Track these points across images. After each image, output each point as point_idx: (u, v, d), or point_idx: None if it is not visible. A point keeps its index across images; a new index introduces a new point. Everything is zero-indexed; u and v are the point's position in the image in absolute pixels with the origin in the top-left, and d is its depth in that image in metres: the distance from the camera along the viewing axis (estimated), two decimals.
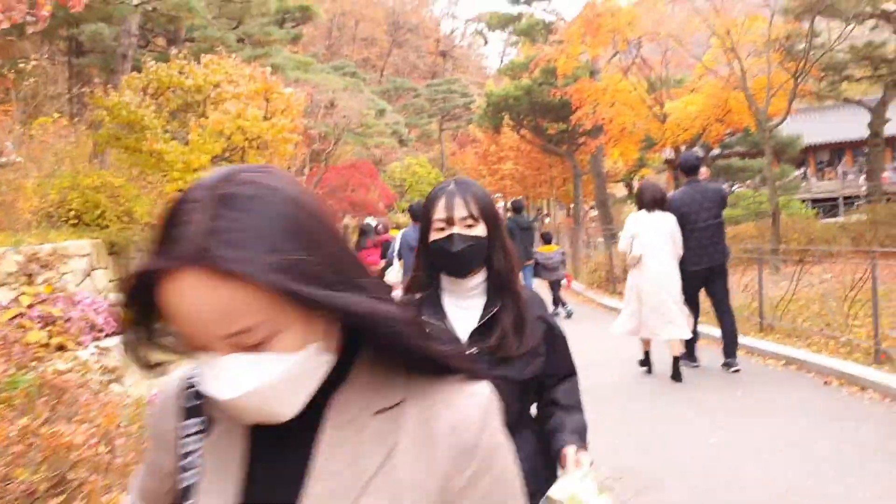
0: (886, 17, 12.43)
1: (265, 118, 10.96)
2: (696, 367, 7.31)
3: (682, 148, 14.88)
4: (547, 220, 44.38)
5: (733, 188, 19.60)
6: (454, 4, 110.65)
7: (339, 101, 20.81)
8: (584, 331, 9.63)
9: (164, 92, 11.39)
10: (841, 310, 8.40)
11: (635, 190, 13.06)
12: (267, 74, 11.11)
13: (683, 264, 6.77)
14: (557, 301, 12.02)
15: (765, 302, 9.20)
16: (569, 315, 11.75)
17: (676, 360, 6.79)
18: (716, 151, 17.77)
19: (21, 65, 11.87)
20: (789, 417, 5.81)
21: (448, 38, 76.07)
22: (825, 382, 6.76)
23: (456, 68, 73.35)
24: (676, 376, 6.80)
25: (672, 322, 6.64)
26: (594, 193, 19.20)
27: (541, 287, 11.83)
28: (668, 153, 47.67)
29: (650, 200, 6.74)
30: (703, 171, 7.73)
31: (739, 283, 9.87)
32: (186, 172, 10.52)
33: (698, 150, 14.34)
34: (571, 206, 27.20)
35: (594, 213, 24.97)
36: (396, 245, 8.76)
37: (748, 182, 19.92)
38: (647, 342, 7.16)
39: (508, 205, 47.74)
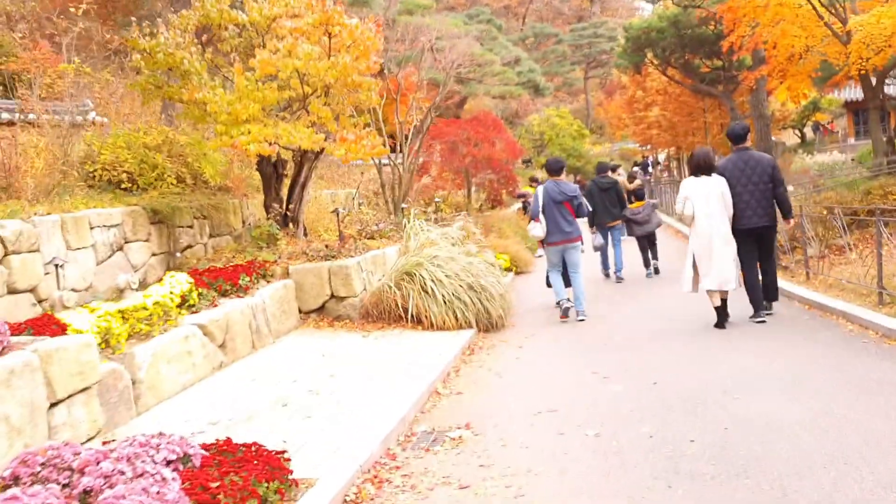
0: None
1: (327, 56, 8.94)
2: (770, 313, 7.84)
3: (873, 80, 11.50)
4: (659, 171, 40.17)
5: None
6: None
7: (450, 45, 18.44)
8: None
9: (218, 31, 9.66)
10: None
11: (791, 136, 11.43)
12: (328, 3, 9.02)
13: (732, 223, 7.56)
14: (648, 261, 11.97)
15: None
16: (656, 271, 11.84)
17: (722, 305, 7.59)
18: None
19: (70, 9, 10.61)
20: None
21: None
22: None
23: (604, 10, 68.67)
24: (722, 322, 7.58)
25: (723, 273, 7.44)
26: (755, 140, 15.84)
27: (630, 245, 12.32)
28: (849, 93, 41.62)
29: (702, 166, 7.63)
30: (750, 140, 8.33)
31: None
32: (233, 125, 8.73)
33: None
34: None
35: None
36: (540, 201, 8.78)
37: None
38: (711, 294, 7.66)
39: (655, 158, 44.06)
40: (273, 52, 8.65)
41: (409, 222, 9.64)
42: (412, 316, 8.66)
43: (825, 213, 9.83)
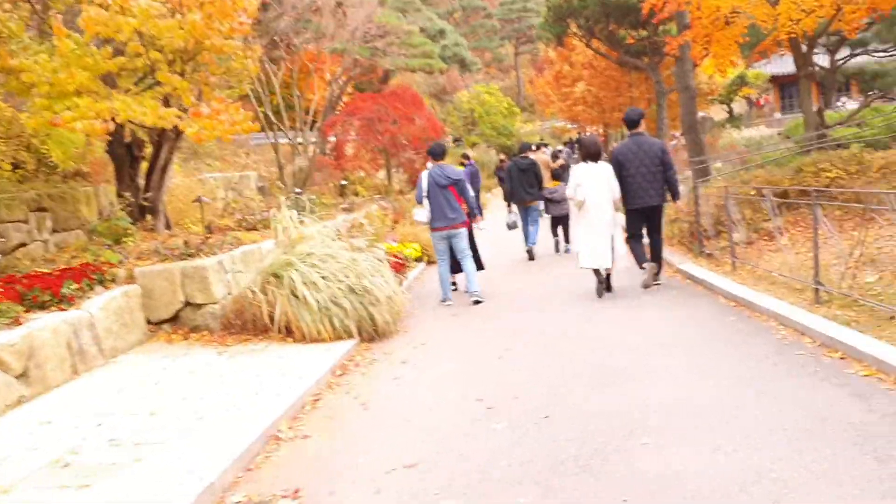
0: None
1: (172, 14, 7.45)
2: (658, 284, 8.31)
3: (803, 47, 10.56)
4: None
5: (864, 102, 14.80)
6: None
7: (353, 12, 16.94)
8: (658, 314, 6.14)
9: None
10: None
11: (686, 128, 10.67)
12: None
13: (626, 204, 8.16)
14: (557, 243, 12.54)
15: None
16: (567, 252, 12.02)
17: (608, 276, 8.19)
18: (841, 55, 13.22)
19: None
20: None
21: None
22: None
23: None
24: (608, 289, 8.25)
25: (603, 254, 8.02)
26: (681, 114, 14.88)
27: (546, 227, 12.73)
28: (775, 66, 41.42)
29: (591, 153, 8.24)
30: (644, 125, 8.58)
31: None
32: (58, 99, 7.19)
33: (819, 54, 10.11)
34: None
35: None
36: (424, 185, 8.58)
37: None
38: (596, 270, 8.21)
39: (582, 136, 43.28)
40: (103, 7, 7.12)
41: (278, 212, 8.23)
42: (281, 326, 7.34)
43: (753, 193, 8.83)
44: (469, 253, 8.92)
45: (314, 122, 24.35)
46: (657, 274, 8.26)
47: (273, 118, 16.11)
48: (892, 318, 5.33)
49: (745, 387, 4.68)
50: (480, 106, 42.37)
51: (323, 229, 8.39)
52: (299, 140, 14.80)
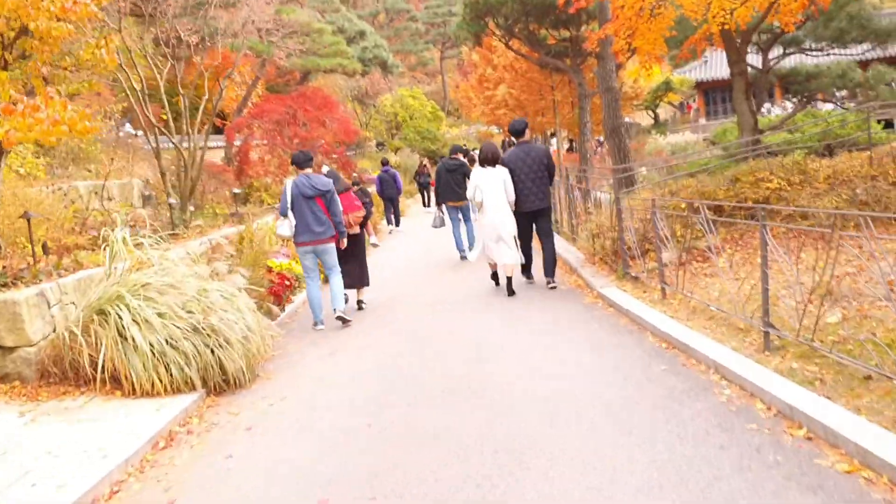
0: None
1: None
2: (532, 282, 9.03)
3: (738, 40, 9.48)
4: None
5: (804, 105, 13.85)
6: None
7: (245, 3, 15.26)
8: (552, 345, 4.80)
9: None
10: None
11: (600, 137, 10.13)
12: None
13: (516, 207, 8.63)
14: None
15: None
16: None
17: (509, 279, 8.60)
18: (774, 54, 12.28)
19: None
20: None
21: None
22: None
23: None
24: (511, 292, 8.55)
25: (507, 251, 8.55)
26: (603, 117, 13.76)
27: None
28: (700, 72, 41.28)
29: (488, 159, 8.65)
30: (529, 134, 9.88)
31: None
32: None
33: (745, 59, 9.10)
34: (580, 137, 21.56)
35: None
36: (288, 196, 8.00)
37: (820, 97, 14.00)
38: (493, 264, 9.00)
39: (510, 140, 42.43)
40: None
41: (112, 232, 6.60)
42: (108, 375, 5.78)
43: (684, 209, 7.65)
44: (338, 268, 8.27)
45: (225, 125, 22.56)
46: (551, 273, 8.68)
47: (171, 121, 14.37)
48: (868, 377, 4.12)
49: (683, 488, 3.37)
50: (404, 110, 40.96)
51: (174, 251, 6.81)
52: (185, 144, 13.03)
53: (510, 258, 8.52)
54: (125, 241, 6.47)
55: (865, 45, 12.26)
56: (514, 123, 8.96)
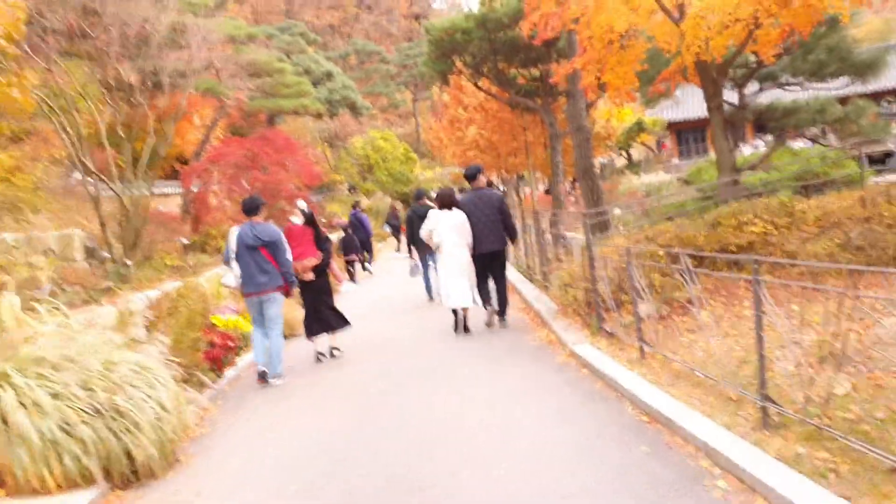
0: None
1: None
2: (504, 323, 9.13)
3: (714, 73, 8.87)
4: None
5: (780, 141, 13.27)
6: None
7: (202, 41, 14.56)
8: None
9: None
10: None
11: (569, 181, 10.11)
12: None
13: (473, 250, 8.84)
14: None
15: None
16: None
17: (465, 318, 8.93)
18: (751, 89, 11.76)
19: None
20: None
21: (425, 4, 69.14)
22: None
23: None
24: (466, 330, 8.90)
25: (463, 293, 8.76)
26: (574, 158, 13.13)
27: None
28: (672, 112, 41.23)
29: (445, 202, 8.91)
30: (482, 179, 9.30)
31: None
32: None
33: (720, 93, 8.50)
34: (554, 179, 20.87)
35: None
36: (232, 244, 7.68)
37: (798, 132, 13.41)
38: (455, 311, 9.02)
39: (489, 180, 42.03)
40: None
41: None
42: None
43: (662, 256, 6.93)
44: (279, 322, 7.90)
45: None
46: (502, 313, 9.08)
47: (123, 165, 13.52)
48: (893, 470, 3.34)
49: None
50: (376, 152, 40.38)
51: (104, 310, 5.95)
52: (128, 192, 12.17)
53: (466, 300, 8.77)
54: (11, 308, 5.58)
55: (844, 80, 11.80)
56: (469, 169, 9.36)
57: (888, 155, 20.53)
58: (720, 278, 7.27)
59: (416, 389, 6.71)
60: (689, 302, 6.42)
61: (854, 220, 6.75)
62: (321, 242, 8.61)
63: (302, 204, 9.40)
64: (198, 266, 13.30)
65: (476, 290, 8.94)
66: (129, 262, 11.95)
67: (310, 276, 8.40)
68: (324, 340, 8.63)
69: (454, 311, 8.98)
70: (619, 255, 7.20)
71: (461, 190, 33.07)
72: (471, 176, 9.19)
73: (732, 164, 9.11)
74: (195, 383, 6.96)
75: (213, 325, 9.80)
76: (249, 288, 7.66)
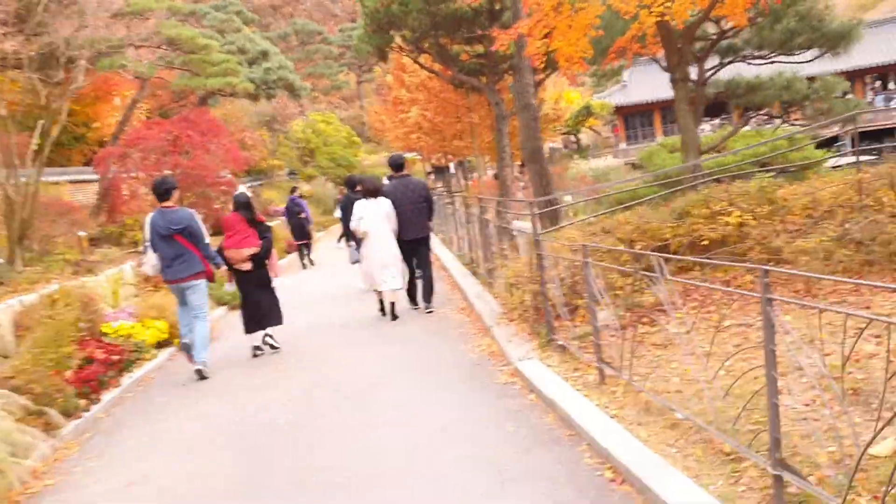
0: None
1: None
2: (416, 308, 9.29)
3: (679, 41, 7.75)
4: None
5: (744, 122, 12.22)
6: None
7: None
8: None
9: None
10: None
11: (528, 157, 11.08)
12: None
13: (398, 236, 8.94)
14: None
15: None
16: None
17: (393, 304, 8.98)
18: (710, 66, 10.71)
19: None
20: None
21: None
22: None
23: None
24: (394, 317, 8.95)
25: (391, 279, 8.82)
26: (520, 138, 11.95)
27: None
28: (619, 97, 40.73)
29: (370, 191, 8.91)
30: (407, 169, 9.74)
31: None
32: None
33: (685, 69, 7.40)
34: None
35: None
36: (147, 231, 7.49)
37: (758, 114, 12.38)
38: (378, 292, 9.19)
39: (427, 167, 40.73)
40: None
41: None
42: None
43: (626, 260, 5.78)
44: (205, 311, 7.60)
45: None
46: (428, 298, 9.17)
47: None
48: None
49: None
50: (317, 136, 38.69)
51: None
52: (13, 181, 10.55)
53: (395, 284, 8.87)
54: None
55: (814, 52, 10.82)
56: (393, 158, 9.60)
57: (834, 139, 19.93)
58: (690, 277, 6.17)
59: (328, 421, 5.45)
60: (659, 309, 5.32)
61: (848, 208, 5.70)
62: (262, 231, 8.17)
63: (241, 189, 9.47)
64: (102, 262, 11.75)
65: (404, 277, 9.06)
66: (16, 259, 10.39)
67: (247, 265, 8.00)
68: (260, 335, 8.22)
69: (380, 300, 9.15)
70: (573, 251, 6.04)
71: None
72: (398, 164, 9.43)
73: (698, 145, 8.04)
74: (42, 425, 5.54)
75: (103, 334, 8.39)
76: (168, 276, 7.45)
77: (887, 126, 29.98)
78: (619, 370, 4.83)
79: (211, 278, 7.70)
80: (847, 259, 5.20)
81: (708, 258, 5.91)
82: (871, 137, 24.36)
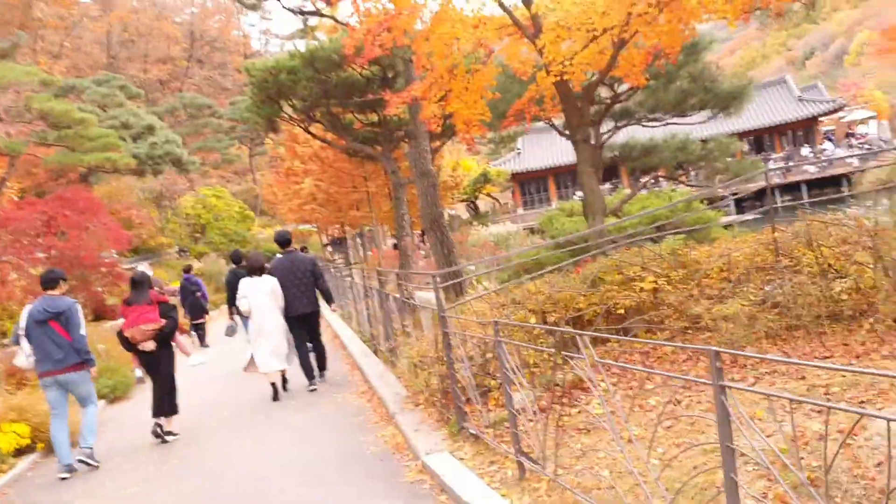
0: None
1: None
2: (314, 389, 8.85)
3: (578, 100, 7.55)
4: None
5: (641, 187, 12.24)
6: (267, 19, 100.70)
7: None
8: None
9: None
10: None
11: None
12: None
13: (286, 312, 8.88)
14: None
15: None
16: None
17: (274, 385, 8.72)
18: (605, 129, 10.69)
19: None
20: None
21: (259, 55, 66.65)
22: None
23: None
24: (276, 397, 8.64)
25: (276, 358, 8.72)
26: (420, 207, 11.52)
27: None
28: (514, 164, 41.51)
29: (254, 268, 8.89)
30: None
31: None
32: None
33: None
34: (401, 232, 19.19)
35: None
36: (22, 321, 7.03)
37: (648, 178, 12.37)
38: (269, 374, 8.78)
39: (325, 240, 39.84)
40: None
41: None
42: None
43: (542, 337, 5.29)
44: (93, 397, 7.24)
45: None
46: (322, 369, 9.32)
47: None
48: None
49: None
50: (208, 211, 37.38)
51: None
52: None
53: (279, 364, 8.73)
54: None
55: (706, 114, 10.96)
56: (280, 234, 9.70)
57: (761, 192, 20.47)
58: (609, 350, 5.74)
59: None
60: (581, 387, 4.83)
61: (765, 269, 5.44)
62: (166, 311, 7.73)
63: (141, 268, 9.02)
64: None
65: (294, 351, 8.93)
66: None
67: (150, 345, 7.52)
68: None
69: (272, 383, 8.75)
70: (483, 327, 5.51)
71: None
72: (285, 240, 9.49)
73: (603, 208, 7.77)
74: None
75: None
76: (46, 366, 6.90)
77: (796, 181, 32.11)
78: (541, 463, 4.26)
79: (91, 372, 7.20)
80: (773, 323, 4.88)
81: (625, 328, 5.49)
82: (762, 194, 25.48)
